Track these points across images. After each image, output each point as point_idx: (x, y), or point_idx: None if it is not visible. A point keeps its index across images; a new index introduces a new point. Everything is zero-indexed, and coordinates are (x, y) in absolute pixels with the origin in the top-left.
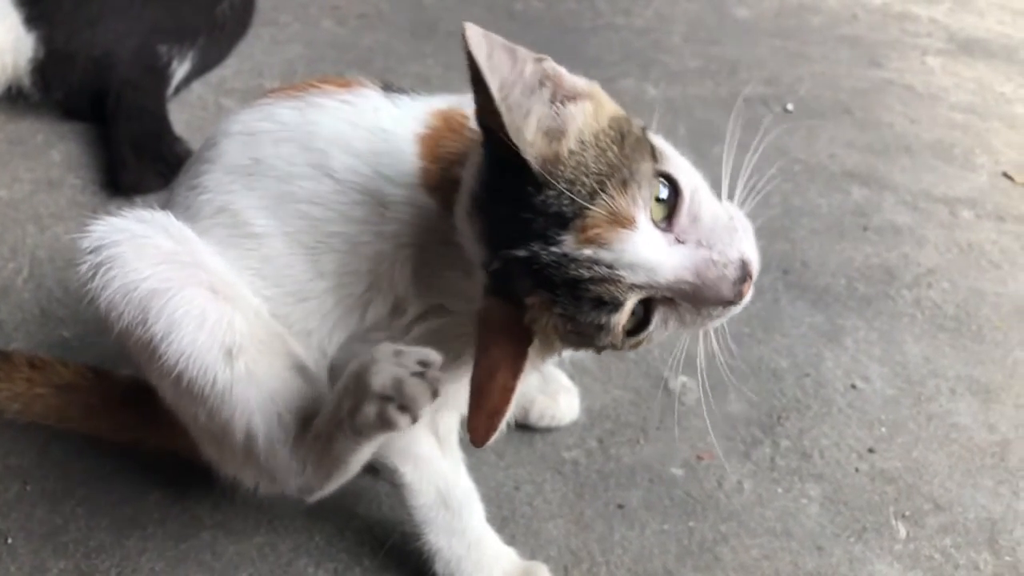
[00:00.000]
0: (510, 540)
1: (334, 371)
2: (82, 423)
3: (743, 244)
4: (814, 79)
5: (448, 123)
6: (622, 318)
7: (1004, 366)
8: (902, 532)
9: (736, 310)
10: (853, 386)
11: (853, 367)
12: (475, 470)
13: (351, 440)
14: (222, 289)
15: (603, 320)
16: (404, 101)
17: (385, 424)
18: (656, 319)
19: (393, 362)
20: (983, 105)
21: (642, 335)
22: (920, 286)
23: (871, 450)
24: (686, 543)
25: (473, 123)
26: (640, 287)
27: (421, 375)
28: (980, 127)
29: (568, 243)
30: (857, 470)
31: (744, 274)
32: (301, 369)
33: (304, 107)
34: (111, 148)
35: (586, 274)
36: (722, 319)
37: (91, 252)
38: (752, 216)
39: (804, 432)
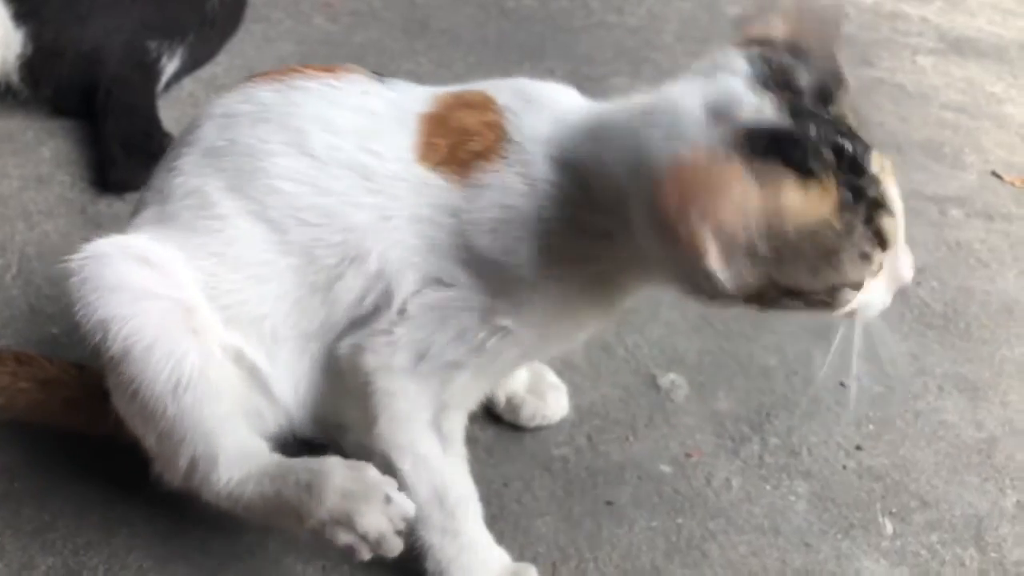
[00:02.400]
0: (499, 537)
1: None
2: (64, 417)
3: None
4: None
5: (463, 101)
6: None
7: (992, 364)
8: (889, 529)
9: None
10: (841, 384)
11: (841, 365)
12: None
13: (293, 525)
14: (189, 320)
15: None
16: (401, 85)
17: (344, 549)
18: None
19: (382, 510)
20: (973, 104)
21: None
22: (909, 284)
23: (859, 447)
24: (674, 540)
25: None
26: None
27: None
28: (970, 126)
29: None
30: (845, 467)
31: None
32: (250, 412)
33: (285, 89)
34: (101, 145)
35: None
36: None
37: (76, 269)
38: None
39: (792, 429)
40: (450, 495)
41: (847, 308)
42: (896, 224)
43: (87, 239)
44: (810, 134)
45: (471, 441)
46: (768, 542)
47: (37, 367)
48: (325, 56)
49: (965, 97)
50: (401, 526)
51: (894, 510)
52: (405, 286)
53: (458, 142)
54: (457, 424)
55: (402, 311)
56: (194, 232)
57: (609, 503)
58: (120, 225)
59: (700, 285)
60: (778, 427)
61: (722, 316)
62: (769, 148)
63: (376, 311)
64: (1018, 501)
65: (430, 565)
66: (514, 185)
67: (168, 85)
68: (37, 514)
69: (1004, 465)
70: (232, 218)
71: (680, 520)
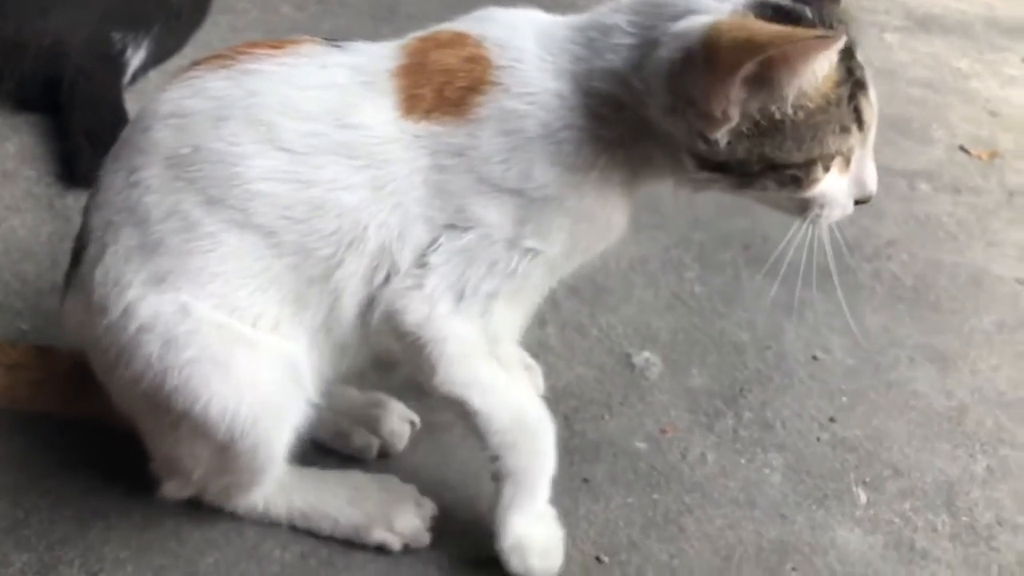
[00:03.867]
0: (477, 519)
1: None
2: (31, 400)
3: None
4: None
5: (435, 42)
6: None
7: (961, 334)
8: (863, 498)
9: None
10: (814, 357)
11: (814, 338)
12: (441, 448)
13: (321, 528)
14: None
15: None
16: (359, 47)
17: (376, 545)
18: (833, 172)
19: (415, 511)
20: (940, 80)
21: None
22: (879, 258)
23: (832, 419)
24: (651, 515)
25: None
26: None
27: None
28: (937, 102)
29: None
30: (819, 439)
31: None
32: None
33: (238, 76)
34: (66, 138)
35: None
36: (833, 216)
37: (139, 326)
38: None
39: (766, 403)
40: (528, 416)
41: (813, 191)
42: (872, 110)
43: (55, 233)
44: (809, 15)
45: (449, 426)
46: (744, 515)
47: (1, 353)
48: None
49: (932, 73)
50: (429, 524)
51: (867, 479)
52: (417, 242)
53: (443, 83)
54: (511, 352)
55: (423, 264)
56: (188, 256)
57: (585, 480)
58: None
59: (699, 152)
60: (752, 401)
61: (693, 292)
62: (775, 20)
63: (388, 281)
64: (988, 466)
65: (508, 490)
66: (515, 108)
67: (135, 78)
68: (10, 511)
69: (974, 431)
70: (220, 234)
71: (656, 495)
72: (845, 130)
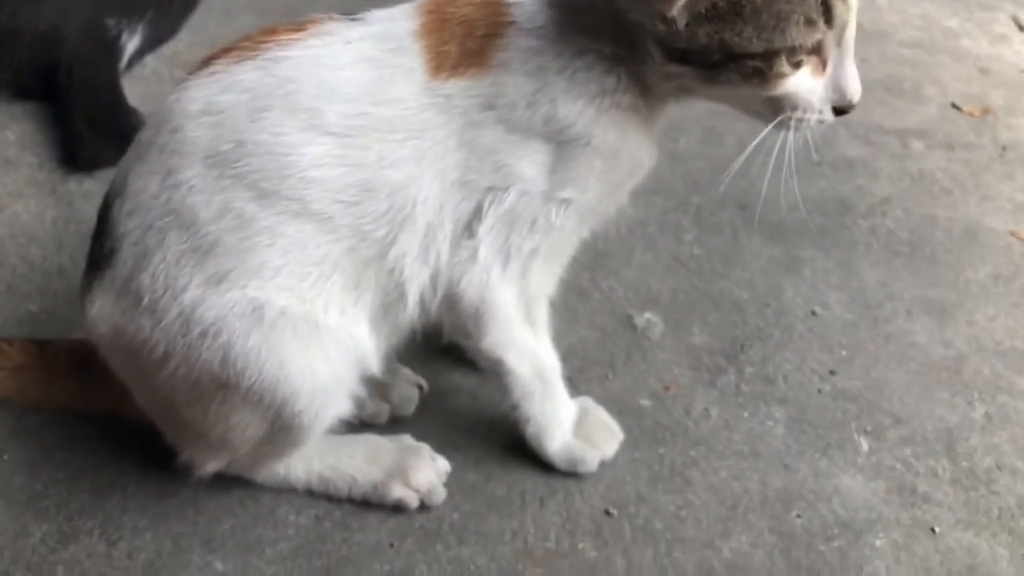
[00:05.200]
0: (485, 477)
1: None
2: (42, 401)
3: None
4: None
5: None
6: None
7: (957, 286)
8: (864, 446)
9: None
10: (813, 313)
11: (812, 295)
12: (449, 411)
13: (338, 491)
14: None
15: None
16: (377, 15)
17: (394, 504)
18: (804, 71)
19: (430, 466)
20: (930, 40)
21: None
22: (875, 215)
23: (832, 372)
24: (657, 469)
25: None
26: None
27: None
28: (928, 61)
29: None
30: (820, 391)
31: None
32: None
33: (269, 65)
34: (66, 124)
35: None
36: (810, 127)
37: (203, 328)
38: (708, 156)
39: (767, 359)
40: (545, 369)
41: (780, 89)
42: (847, 9)
43: (59, 218)
44: None
45: (456, 390)
46: (748, 465)
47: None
48: None
49: (922, 33)
50: (444, 479)
51: (869, 428)
52: (460, 212)
53: (465, 35)
54: (543, 310)
55: (473, 235)
56: (248, 252)
57: None
58: (92, 203)
59: (661, 36)
60: (753, 357)
61: (692, 254)
62: None
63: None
64: (986, 413)
65: (531, 429)
66: (530, 45)
67: (131, 63)
68: (29, 483)
69: (972, 380)
70: (277, 227)
71: (662, 450)
72: (811, 23)
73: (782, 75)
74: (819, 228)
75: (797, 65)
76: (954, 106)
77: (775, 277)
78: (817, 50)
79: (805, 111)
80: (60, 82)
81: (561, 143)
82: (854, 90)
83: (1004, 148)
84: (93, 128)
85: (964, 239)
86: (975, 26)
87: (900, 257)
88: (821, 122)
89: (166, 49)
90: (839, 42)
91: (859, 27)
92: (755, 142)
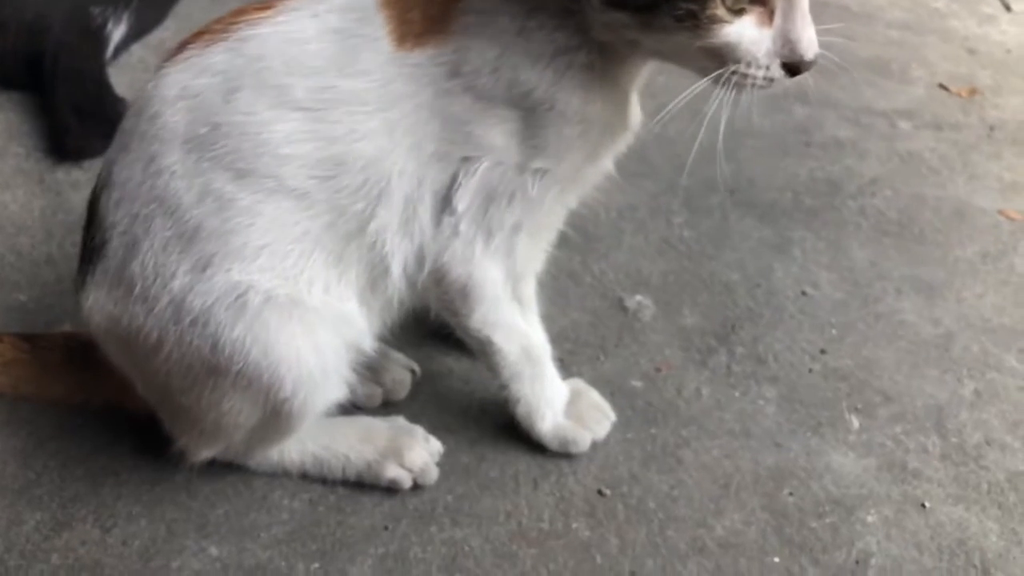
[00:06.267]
0: (479, 458)
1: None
2: (36, 394)
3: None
4: None
5: None
6: None
7: (945, 264)
8: (855, 424)
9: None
10: (803, 293)
11: (802, 275)
12: (441, 395)
13: (332, 472)
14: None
15: None
16: None
17: (388, 484)
18: (746, 20)
19: (423, 446)
20: (917, 21)
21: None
22: (864, 195)
23: (823, 351)
24: (649, 449)
25: None
26: None
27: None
28: (915, 42)
29: None
30: (811, 370)
31: (813, 63)
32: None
33: (239, 45)
34: (53, 114)
35: None
36: (757, 85)
37: (194, 314)
38: (697, 139)
39: (758, 339)
40: (534, 349)
41: (719, 38)
42: None
43: (48, 207)
44: None
45: (448, 373)
46: (740, 444)
47: None
48: None
49: (909, 14)
50: (437, 459)
51: (859, 406)
52: (438, 184)
53: (428, 0)
54: (530, 288)
55: (453, 212)
56: (230, 235)
57: None
58: (80, 192)
59: None
60: (744, 337)
61: (682, 237)
62: None
63: (425, 235)
64: (975, 389)
65: (521, 410)
66: (488, 6)
67: (117, 52)
68: (22, 472)
69: (961, 357)
70: (256, 206)
71: (654, 430)
72: None
73: (718, 20)
74: (809, 209)
75: (739, 12)
76: (942, 86)
77: (765, 258)
78: None
79: (749, 65)
80: (46, 72)
81: (528, 110)
82: (806, 45)
83: (991, 128)
84: (80, 117)
85: (952, 218)
86: (962, 6)
87: (889, 236)
88: (769, 80)
89: (152, 37)
90: None
91: (847, 9)
92: (686, 93)
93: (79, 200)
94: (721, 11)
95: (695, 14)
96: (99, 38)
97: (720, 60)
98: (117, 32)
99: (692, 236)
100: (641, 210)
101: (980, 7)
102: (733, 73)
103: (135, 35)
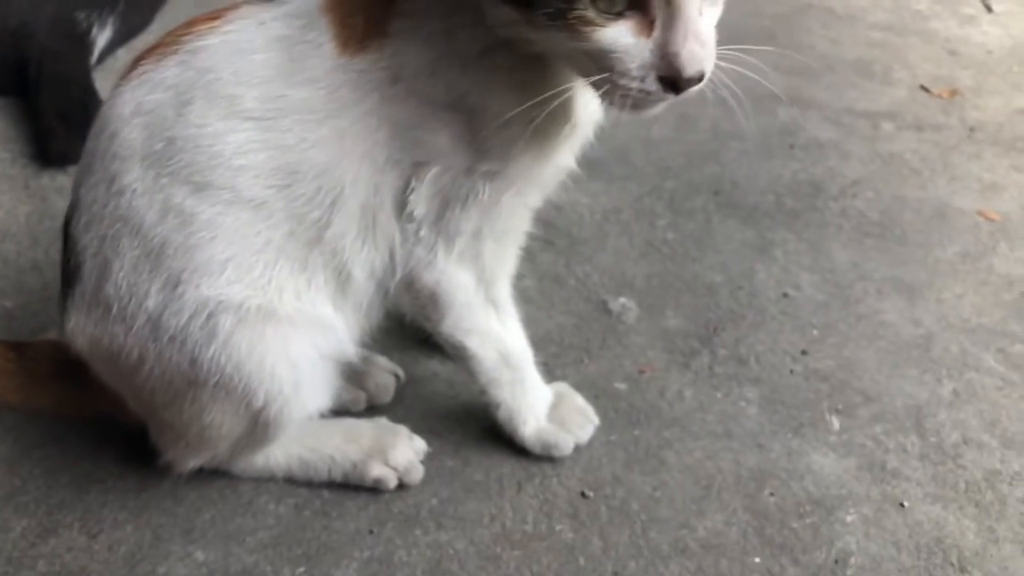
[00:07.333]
0: (463, 462)
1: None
2: (23, 403)
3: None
4: (737, 7)
5: None
6: None
7: (926, 265)
8: (836, 425)
9: (658, 108)
10: (785, 294)
11: (784, 277)
12: (425, 399)
13: (318, 474)
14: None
15: None
16: None
17: (373, 484)
18: (622, 26)
19: (408, 445)
20: (900, 23)
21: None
22: (846, 197)
23: (804, 352)
24: (632, 450)
25: None
26: None
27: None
28: (898, 44)
29: None
30: (792, 372)
31: (700, 77)
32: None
33: (189, 58)
34: (38, 119)
35: None
36: (631, 97)
37: (170, 333)
38: (681, 142)
39: (740, 340)
40: (513, 354)
41: (591, 42)
42: None
43: (33, 213)
44: None
45: (432, 377)
46: (722, 446)
47: None
48: None
49: (892, 16)
50: (422, 457)
51: (840, 407)
52: (394, 192)
53: (370, 3)
54: (504, 292)
55: (411, 218)
56: (195, 250)
57: None
58: (65, 197)
59: None
60: (726, 339)
61: (666, 240)
62: None
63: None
64: (954, 389)
65: (502, 414)
66: (420, 8)
67: (102, 57)
68: (7, 479)
69: (941, 357)
70: (217, 218)
71: (637, 432)
72: None
73: (588, 22)
74: (791, 211)
75: (614, 17)
76: (923, 88)
77: (747, 260)
78: (640, 4)
79: (622, 75)
80: (31, 77)
81: (469, 112)
82: (686, 59)
83: (972, 129)
84: (65, 123)
85: (933, 219)
86: (944, 8)
87: (871, 238)
88: (646, 94)
89: (138, 42)
90: (667, 2)
91: (830, 10)
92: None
93: (64, 206)
94: (591, 13)
95: (564, 13)
96: (84, 43)
97: (601, 68)
98: (102, 37)
99: (676, 238)
100: (625, 212)
101: (962, 8)
102: (608, 82)
103: (120, 40)
